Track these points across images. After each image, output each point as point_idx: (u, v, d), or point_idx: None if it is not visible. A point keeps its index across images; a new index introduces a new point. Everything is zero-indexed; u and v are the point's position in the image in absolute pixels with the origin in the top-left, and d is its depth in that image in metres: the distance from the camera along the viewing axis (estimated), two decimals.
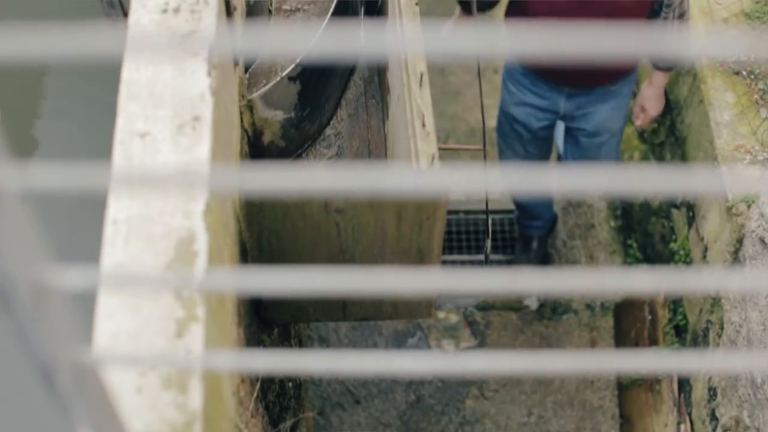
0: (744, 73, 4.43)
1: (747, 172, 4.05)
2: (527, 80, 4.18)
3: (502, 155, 4.63)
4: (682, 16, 3.95)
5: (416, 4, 3.05)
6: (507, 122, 4.42)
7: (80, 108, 5.75)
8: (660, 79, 4.27)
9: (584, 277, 0.92)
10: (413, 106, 2.81)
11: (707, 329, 4.12)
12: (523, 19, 3.91)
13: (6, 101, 5.82)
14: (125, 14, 2.41)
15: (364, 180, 0.78)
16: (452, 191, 3.28)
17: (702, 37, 4.54)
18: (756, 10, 4.74)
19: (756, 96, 4.37)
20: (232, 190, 2.15)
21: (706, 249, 4.20)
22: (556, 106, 4.19)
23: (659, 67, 4.20)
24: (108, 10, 2.42)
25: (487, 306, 5.23)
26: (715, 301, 4.01)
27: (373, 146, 3.43)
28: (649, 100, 4.30)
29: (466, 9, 4.06)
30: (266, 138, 3.14)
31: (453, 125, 6.27)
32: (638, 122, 4.43)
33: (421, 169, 2.69)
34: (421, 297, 3.04)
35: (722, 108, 4.33)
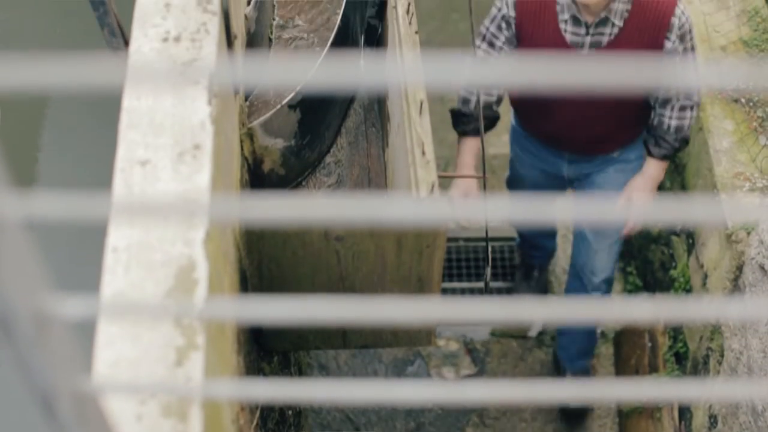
0: (743, 100, 4.44)
1: (746, 200, 4.05)
2: (530, 144, 4.18)
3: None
4: (689, 108, 3.80)
5: (416, 32, 3.07)
6: (515, 181, 4.48)
7: (81, 136, 5.76)
8: (653, 169, 3.91)
9: (585, 305, 0.92)
10: (413, 134, 2.82)
11: (708, 356, 4.12)
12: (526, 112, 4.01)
13: (7, 130, 5.83)
14: (126, 43, 2.42)
15: (364, 209, 0.78)
16: (452, 220, 3.30)
17: (701, 65, 4.56)
18: (754, 37, 4.75)
19: (755, 123, 4.38)
20: (232, 218, 2.16)
21: (706, 276, 4.20)
22: (559, 171, 4.19)
23: (653, 154, 3.88)
24: (109, 38, 2.42)
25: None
26: (716, 329, 4.01)
27: (374, 174, 3.44)
28: (637, 190, 3.89)
29: (466, 130, 3.86)
30: (266, 166, 3.14)
31: (453, 153, 6.25)
32: (624, 231, 4.12)
33: (420, 197, 2.69)
34: (421, 325, 3.04)
35: (721, 135, 4.34)
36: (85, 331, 1.37)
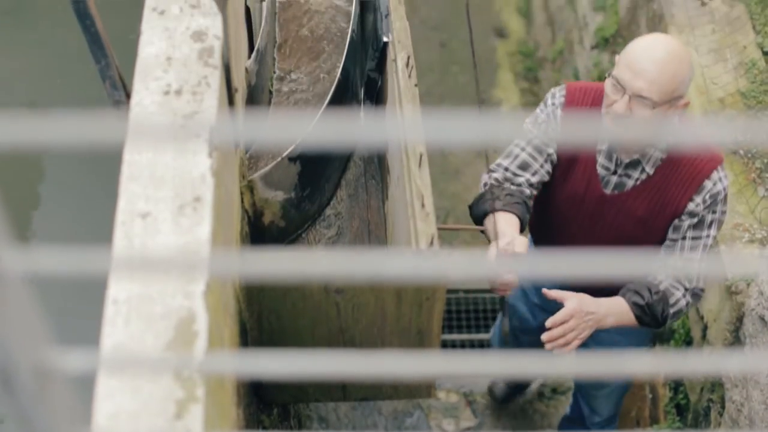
0: (741, 151, 4.45)
1: (746, 251, 4.06)
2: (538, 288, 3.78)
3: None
4: (685, 288, 3.27)
5: (415, 85, 3.09)
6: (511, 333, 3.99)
7: (80, 189, 5.78)
8: (614, 305, 3.20)
9: (585, 359, 0.92)
10: (413, 187, 2.83)
11: (708, 408, 4.10)
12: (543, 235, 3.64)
13: (7, 183, 5.85)
14: (128, 95, 2.44)
15: (364, 264, 0.78)
16: (451, 275, 3.23)
17: (699, 120, 4.58)
18: (752, 89, 4.78)
19: (753, 174, 4.40)
20: (232, 273, 2.16)
21: (705, 328, 4.20)
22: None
23: (624, 294, 3.24)
24: (111, 91, 2.44)
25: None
26: (717, 380, 4.00)
27: (373, 226, 3.45)
28: (582, 299, 3.14)
29: (495, 207, 3.18)
30: (267, 218, 3.15)
31: (452, 204, 6.30)
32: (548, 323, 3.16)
33: (420, 251, 2.70)
34: (421, 378, 3.03)
35: None
36: (85, 384, 1.37)
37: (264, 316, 2.76)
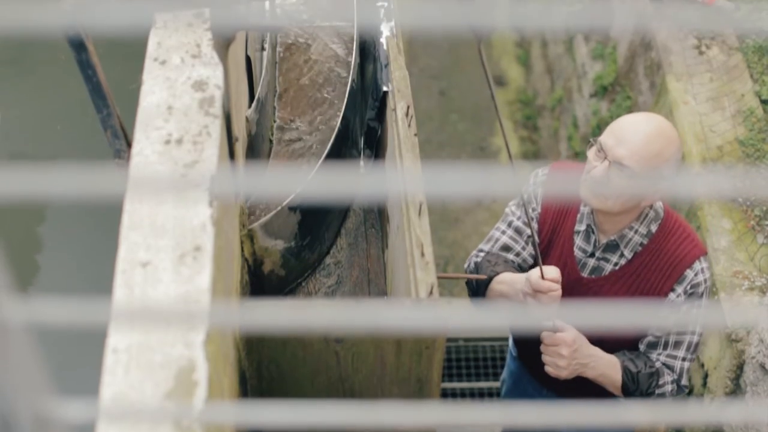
0: (740, 199, 4.47)
1: (746, 298, 4.05)
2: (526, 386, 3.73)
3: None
4: (672, 382, 3.16)
5: (415, 135, 3.10)
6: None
7: (82, 238, 5.78)
8: (610, 370, 3.13)
9: (585, 409, 0.92)
10: (412, 236, 2.83)
11: None
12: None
13: (7, 233, 5.85)
14: (129, 144, 2.45)
15: (364, 315, 0.79)
16: (451, 325, 3.20)
17: (698, 172, 4.60)
18: (750, 137, 4.80)
19: (752, 222, 4.41)
20: (232, 324, 2.16)
21: (706, 375, 4.19)
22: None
23: (620, 357, 3.17)
24: (112, 140, 2.45)
25: None
26: (718, 429, 3.98)
27: (373, 275, 3.45)
28: (587, 344, 3.10)
29: (496, 270, 3.20)
30: (266, 267, 3.16)
31: (452, 252, 6.31)
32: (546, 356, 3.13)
33: (419, 300, 2.69)
34: (421, 429, 3.02)
35: (719, 234, 4.36)
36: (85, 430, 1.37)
37: (264, 365, 2.76)
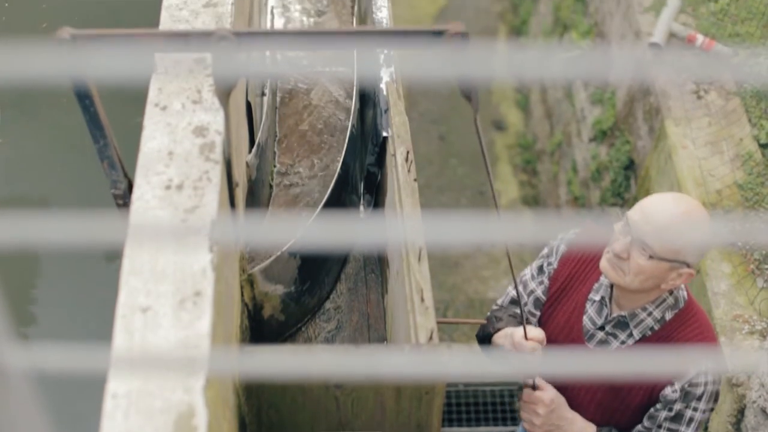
0: (740, 243, 4.47)
1: (746, 343, 4.05)
2: None
3: None
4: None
5: (414, 180, 3.11)
6: None
7: (83, 283, 5.78)
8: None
9: None
10: (412, 281, 2.83)
11: None
12: None
13: (8, 276, 5.85)
14: (126, 175, 2.45)
15: (363, 361, 0.79)
16: (451, 371, 3.12)
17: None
18: (749, 181, 4.82)
19: (752, 266, 4.41)
20: (232, 370, 2.16)
21: (707, 419, 4.17)
22: None
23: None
24: (108, 171, 2.44)
25: None
26: None
27: (373, 320, 3.44)
28: (567, 409, 3.08)
29: (500, 327, 3.15)
30: (266, 312, 3.16)
31: (452, 296, 6.30)
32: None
33: (419, 345, 2.69)
34: None
35: (719, 278, 4.36)
36: None
37: (263, 410, 2.75)
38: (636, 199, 5.77)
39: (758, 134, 5.03)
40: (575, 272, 3.16)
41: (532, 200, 7.91)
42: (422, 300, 2.78)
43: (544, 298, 3.17)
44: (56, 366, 0.86)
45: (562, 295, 3.16)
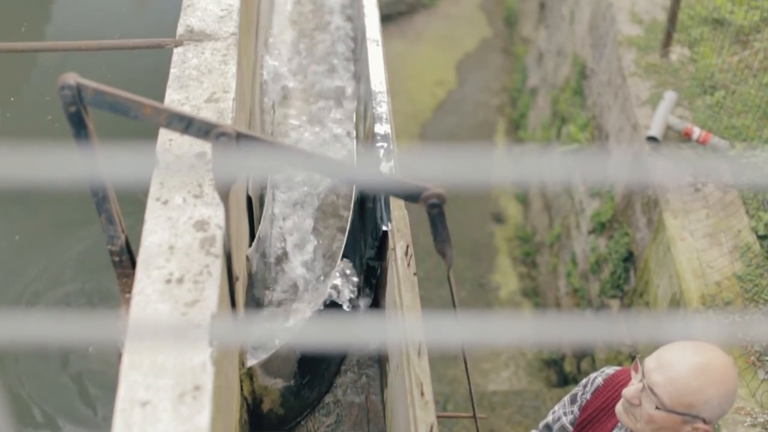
0: (740, 334, 4.46)
1: None
2: None
3: None
4: None
5: (414, 274, 3.11)
6: None
7: (80, 376, 5.76)
8: None
9: None
10: (412, 375, 2.83)
11: None
12: None
13: (7, 375, 5.84)
14: (123, 231, 2.45)
15: None
16: None
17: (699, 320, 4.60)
18: (747, 273, 4.82)
19: (753, 358, 4.40)
20: None
21: None
22: None
23: None
24: (106, 225, 2.43)
25: None
26: None
27: (372, 414, 3.43)
28: None
29: None
30: (266, 406, 3.14)
31: (452, 389, 6.26)
32: None
33: None
34: None
35: None
36: None
37: None
38: (635, 292, 5.78)
39: (756, 226, 5.05)
40: (605, 405, 3.07)
41: (532, 292, 7.90)
42: (422, 394, 2.77)
43: (570, 428, 3.11)
44: None
45: (589, 426, 3.09)
